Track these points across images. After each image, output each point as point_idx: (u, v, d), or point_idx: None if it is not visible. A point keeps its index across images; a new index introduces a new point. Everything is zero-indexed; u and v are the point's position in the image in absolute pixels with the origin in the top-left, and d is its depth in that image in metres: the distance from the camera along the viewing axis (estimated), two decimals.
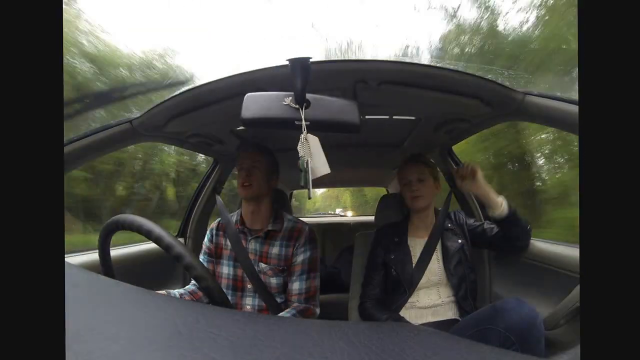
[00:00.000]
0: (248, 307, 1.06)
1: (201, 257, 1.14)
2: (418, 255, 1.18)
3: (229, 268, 1.09)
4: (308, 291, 1.04)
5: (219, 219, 1.19)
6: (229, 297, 1.04)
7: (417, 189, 1.18)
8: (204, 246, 1.17)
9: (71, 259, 1.07)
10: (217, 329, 0.30)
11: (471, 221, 1.26)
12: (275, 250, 1.07)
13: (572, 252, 1.05)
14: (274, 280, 1.05)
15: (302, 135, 0.65)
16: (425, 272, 1.14)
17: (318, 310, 1.05)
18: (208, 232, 1.18)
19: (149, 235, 0.62)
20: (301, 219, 1.23)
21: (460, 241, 1.19)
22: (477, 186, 1.10)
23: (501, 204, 1.08)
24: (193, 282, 1.05)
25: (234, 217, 1.16)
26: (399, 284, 1.15)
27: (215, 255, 1.13)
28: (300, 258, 1.06)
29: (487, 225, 1.20)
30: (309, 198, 0.70)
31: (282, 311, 1.04)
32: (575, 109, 0.79)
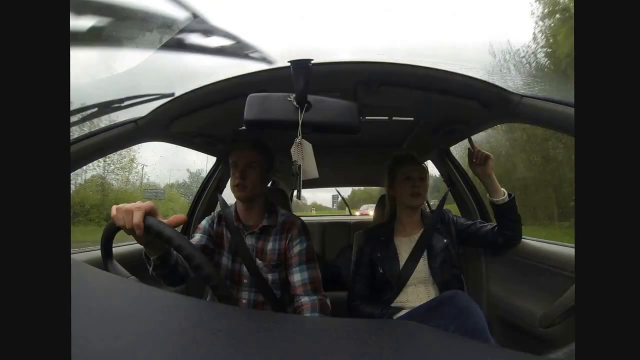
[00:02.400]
0: (244, 301, 1.06)
1: (198, 236, 1.09)
2: (404, 253, 1.19)
3: (228, 261, 1.08)
4: (312, 281, 1.02)
5: (219, 210, 1.16)
6: None
7: (419, 186, 1.20)
8: (201, 227, 1.12)
9: (76, 256, 1.08)
10: (219, 325, 0.30)
11: (462, 220, 1.29)
12: (269, 245, 1.07)
13: (567, 251, 1.06)
14: (269, 277, 1.05)
15: (297, 140, 0.65)
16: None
17: (329, 302, 1.03)
18: (209, 217, 1.14)
19: (158, 235, 0.63)
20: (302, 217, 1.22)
21: (445, 240, 1.21)
22: (486, 171, 1.17)
23: (503, 191, 1.16)
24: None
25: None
26: (387, 283, 1.17)
27: (216, 244, 1.10)
28: (296, 249, 1.05)
29: (479, 224, 1.25)
30: (298, 199, 0.71)
31: (280, 306, 1.04)
32: (571, 110, 0.79)
